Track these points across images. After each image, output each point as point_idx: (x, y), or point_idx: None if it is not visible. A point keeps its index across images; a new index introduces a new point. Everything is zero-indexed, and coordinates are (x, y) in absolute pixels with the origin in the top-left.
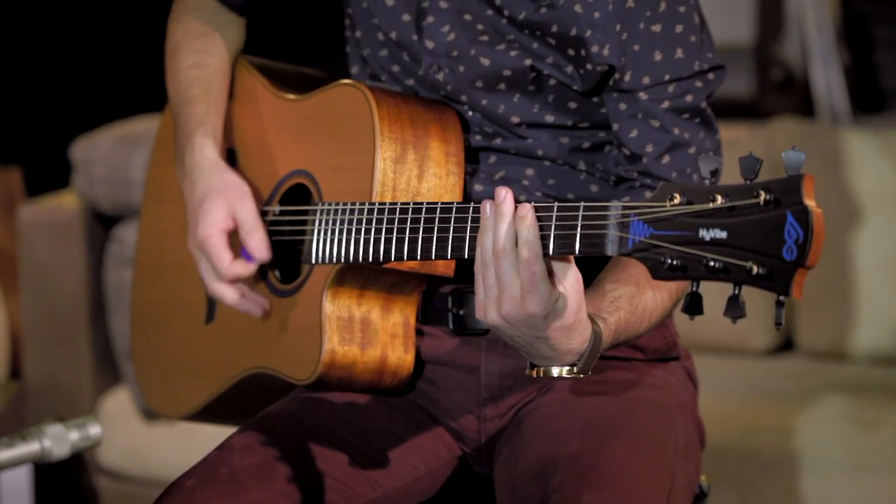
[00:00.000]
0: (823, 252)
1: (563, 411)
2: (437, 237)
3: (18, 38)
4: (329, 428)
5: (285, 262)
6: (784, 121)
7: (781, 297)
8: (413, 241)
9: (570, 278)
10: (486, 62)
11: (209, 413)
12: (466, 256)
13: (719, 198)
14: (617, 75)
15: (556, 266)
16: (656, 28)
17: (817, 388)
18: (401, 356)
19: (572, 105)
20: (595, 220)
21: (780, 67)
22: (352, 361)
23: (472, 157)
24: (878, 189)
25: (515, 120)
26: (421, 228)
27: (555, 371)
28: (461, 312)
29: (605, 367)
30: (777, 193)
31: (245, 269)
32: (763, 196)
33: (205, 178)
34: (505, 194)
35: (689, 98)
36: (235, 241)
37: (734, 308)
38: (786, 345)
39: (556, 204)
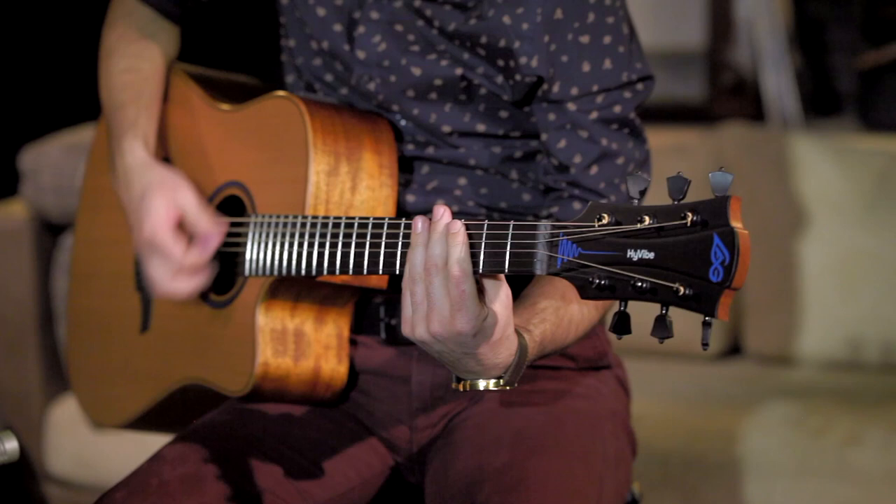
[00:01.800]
0: (772, 256)
1: (494, 422)
2: (368, 252)
3: None
4: (262, 439)
5: (220, 274)
6: (733, 126)
7: (707, 318)
8: (345, 256)
9: (501, 295)
10: (417, 72)
11: (145, 423)
12: (398, 272)
13: (647, 218)
14: (546, 86)
15: (487, 283)
16: (584, 39)
17: (764, 393)
18: (334, 367)
19: (503, 114)
20: (524, 238)
21: (731, 72)
22: (285, 373)
23: (405, 167)
24: (825, 194)
25: (447, 129)
26: (353, 243)
27: (481, 384)
28: (393, 322)
29: (535, 376)
30: (704, 214)
31: (201, 255)
32: (690, 217)
33: (139, 177)
34: (443, 212)
35: (617, 109)
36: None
37: (661, 328)
38: (734, 350)
39: (487, 222)
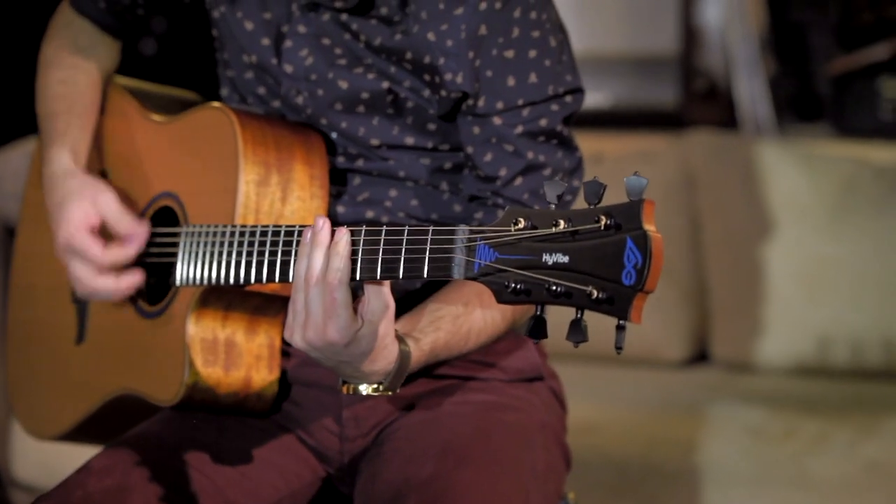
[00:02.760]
0: (738, 263)
1: (422, 434)
2: (294, 260)
3: None
4: (191, 449)
5: (153, 284)
6: (701, 132)
7: (621, 321)
8: (272, 265)
9: (378, 305)
10: (344, 85)
11: (82, 434)
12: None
13: (562, 222)
14: (471, 101)
15: (369, 293)
16: (509, 54)
17: (728, 400)
18: (265, 378)
19: (431, 127)
20: (442, 243)
21: (703, 78)
22: (215, 383)
23: (337, 179)
24: (791, 201)
25: (375, 142)
26: (280, 251)
27: (363, 389)
28: None
29: (465, 387)
30: (618, 218)
31: (121, 252)
32: (604, 221)
33: (60, 184)
34: (322, 223)
35: (543, 122)
36: (106, 237)
37: (576, 332)
38: (700, 356)
39: (407, 227)
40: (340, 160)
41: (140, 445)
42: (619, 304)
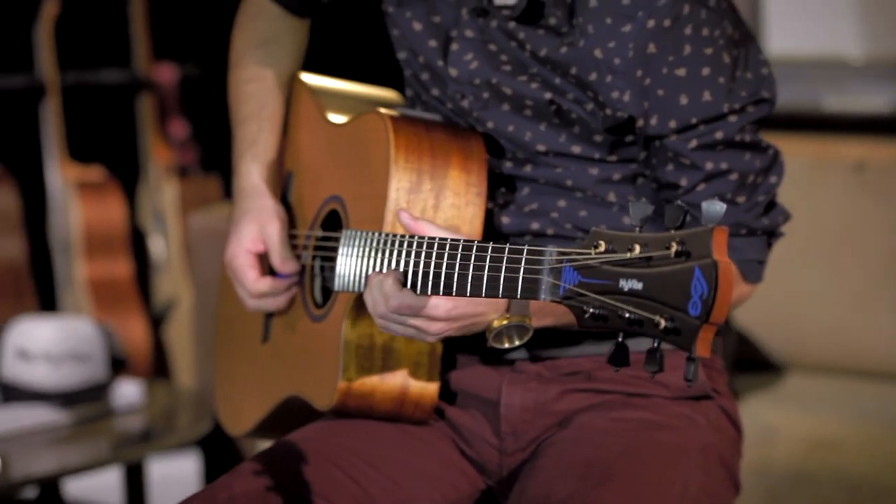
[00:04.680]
0: None
1: (570, 450)
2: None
3: None
4: (345, 456)
5: (324, 288)
6: None
7: (690, 355)
8: (425, 276)
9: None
10: (507, 91)
11: (265, 432)
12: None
13: (637, 247)
14: (641, 121)
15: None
16: (681, 72)
17: None
18: (424, 385)
19: (598, 139)
20: (532, 264)
21: None
22: (370, 390)
23: (506, 187)
24: None
25: (542, 148)
26: (433, 263)
27: (495, 325)
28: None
29: (624, 403)
30: (688, 245)
31: (269, 285)
32: (675, 248)
33: (243, 201)
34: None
35: (719, 135)
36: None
37: (651, 362)
38: None
39: (508, 246)
40: (508, 165)
41: (293, 450)
42: (685, 336)
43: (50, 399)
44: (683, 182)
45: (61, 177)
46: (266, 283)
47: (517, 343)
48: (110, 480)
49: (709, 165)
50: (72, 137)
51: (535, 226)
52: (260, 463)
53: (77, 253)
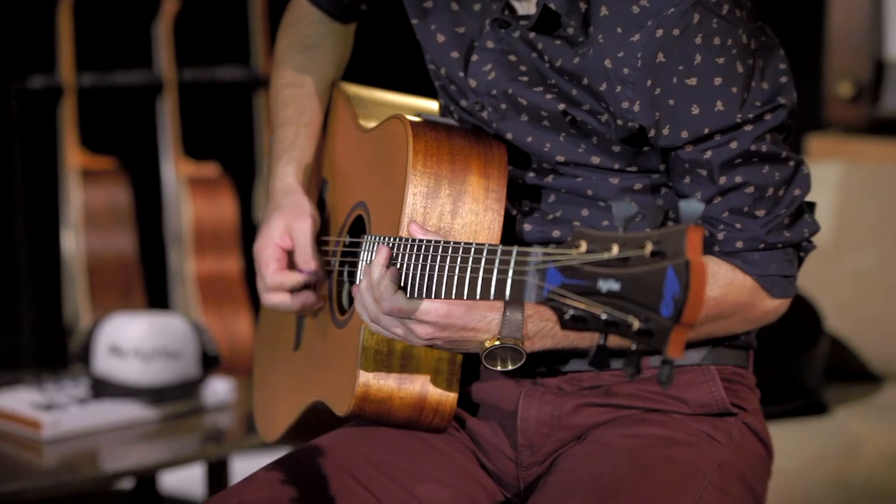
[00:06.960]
0: None
1: (580, 465)
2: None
3: None
4: (361, 464)
5: (350, 294)
6: None
7: (665, 356)
8: (441, 280)
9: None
10: (523, 102)
11: (294, 438)
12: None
13: (615, 247)
14: (652, 132)
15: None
16: (691, 82)
17: None
18: (443, 393)
19: (616, 149)
20: (520, 265)
21: None
22: (387, 396)
23: (532, 196)
24: None
25: (561, 159)
26: (447, 267)
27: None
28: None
29: (642, 419)
30: (663, 245)
31: (287, 277)
32: (650, 247)
33: (277, 199)
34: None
35: (733, 145)
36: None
37: (628, 364)
38: None
39: (500, 247)
40: (531, 175)
41: (309, 457)
42: (657, 337)
43: (140, 395)
44: (699, 195)
45: (175, 173)
46: (280, 276)
47: (510, 367)
48: (200, 475)
49: (722, 180)
50: (188, 134)
51: (556, 234)
52: (273, 470)
53: (187, 249)
